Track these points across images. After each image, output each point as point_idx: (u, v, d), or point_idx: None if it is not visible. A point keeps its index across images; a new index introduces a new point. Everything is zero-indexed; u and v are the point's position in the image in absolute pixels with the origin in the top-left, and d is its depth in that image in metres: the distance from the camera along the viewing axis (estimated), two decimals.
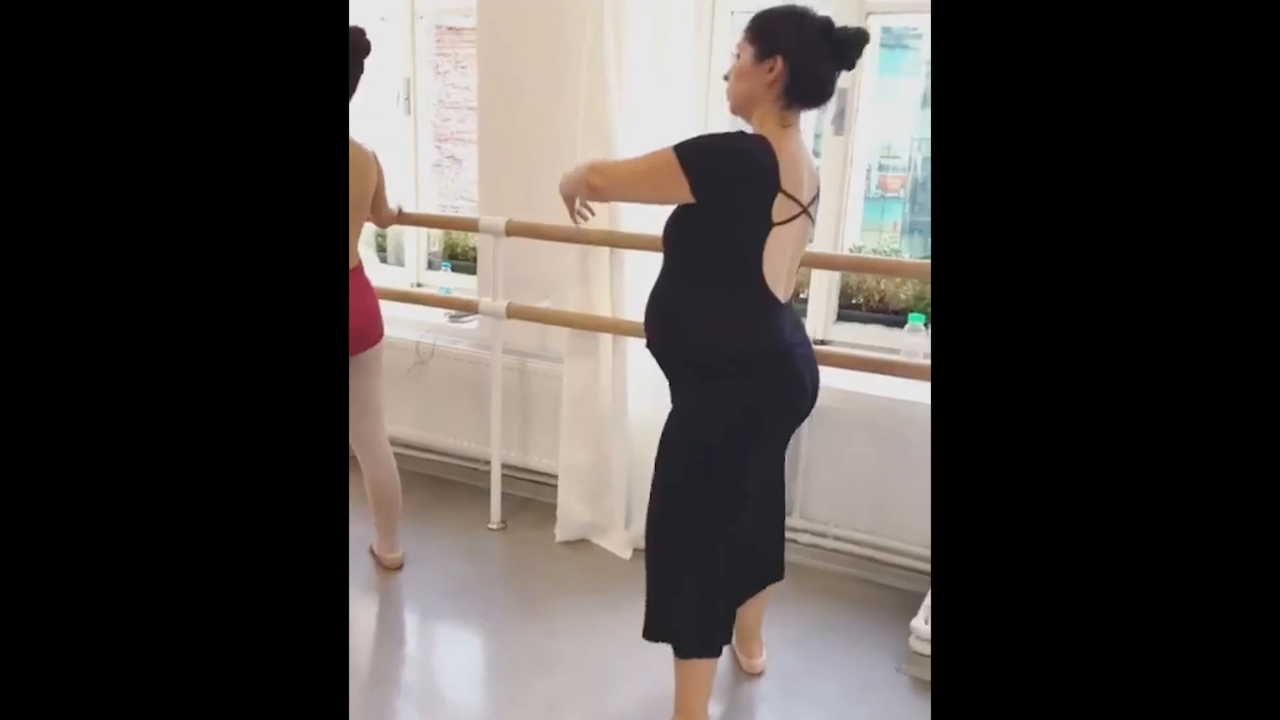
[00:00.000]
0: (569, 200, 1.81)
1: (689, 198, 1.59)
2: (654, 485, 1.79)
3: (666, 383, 1.81)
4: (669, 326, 1.72)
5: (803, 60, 1.61)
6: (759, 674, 2.15)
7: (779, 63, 1.60)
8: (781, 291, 1.69)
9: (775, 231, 1.61)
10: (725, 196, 1.59)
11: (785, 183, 1.59)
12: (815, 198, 1.71)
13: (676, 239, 1.69)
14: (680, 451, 1.73)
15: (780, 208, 1.60)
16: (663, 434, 1.77)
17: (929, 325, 2.59)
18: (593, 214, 1.86)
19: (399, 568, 2.56)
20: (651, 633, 1.83)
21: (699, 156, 1.58)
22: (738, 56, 1.68)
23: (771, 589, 2.08)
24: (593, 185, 1.69)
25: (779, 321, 1.68)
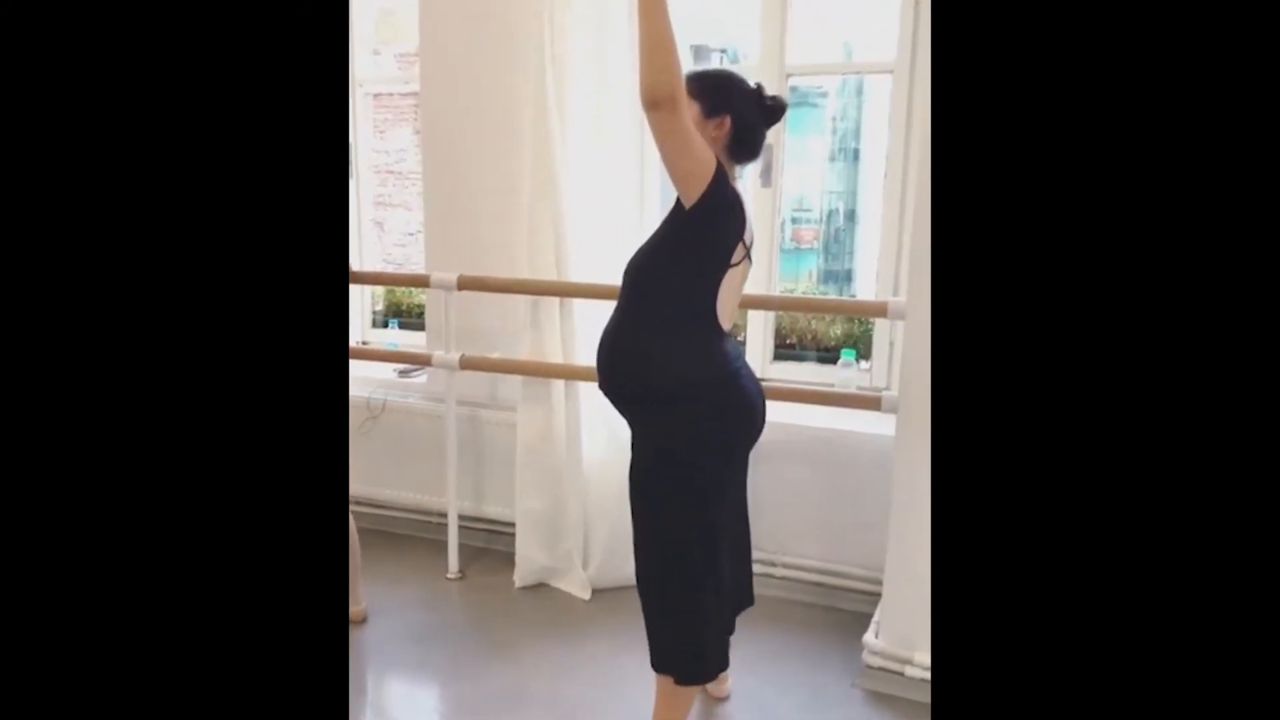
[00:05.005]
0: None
1: (696, 192, 1.66)
2: (637, 526, 1.87)
3: (619, 423, 1.90)
4: (632, 364, 1.82)
5: (746, 120, 1.79)
6: (725, 698, 2.24)
7: (727, 121, 1.76)
8: (725, 324, 1.83)
9: (730, 272, 1.77)
10: (717, 228, 1.72)
11: (745, 232, 1.78)
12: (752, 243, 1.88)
13: (644, 275, 1.80)
14: (658, 486, 1.82)
15: (737, 252, 1.76)
16: (633, 476, 1.86)
17: (859, 359, 2.78)
18: None
19: (363, 620, 2.56)
20: (657, 664, 1.90)
21: (722, 178, 1.70)
22: None
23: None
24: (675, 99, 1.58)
25: (725, 348, 1.83)
